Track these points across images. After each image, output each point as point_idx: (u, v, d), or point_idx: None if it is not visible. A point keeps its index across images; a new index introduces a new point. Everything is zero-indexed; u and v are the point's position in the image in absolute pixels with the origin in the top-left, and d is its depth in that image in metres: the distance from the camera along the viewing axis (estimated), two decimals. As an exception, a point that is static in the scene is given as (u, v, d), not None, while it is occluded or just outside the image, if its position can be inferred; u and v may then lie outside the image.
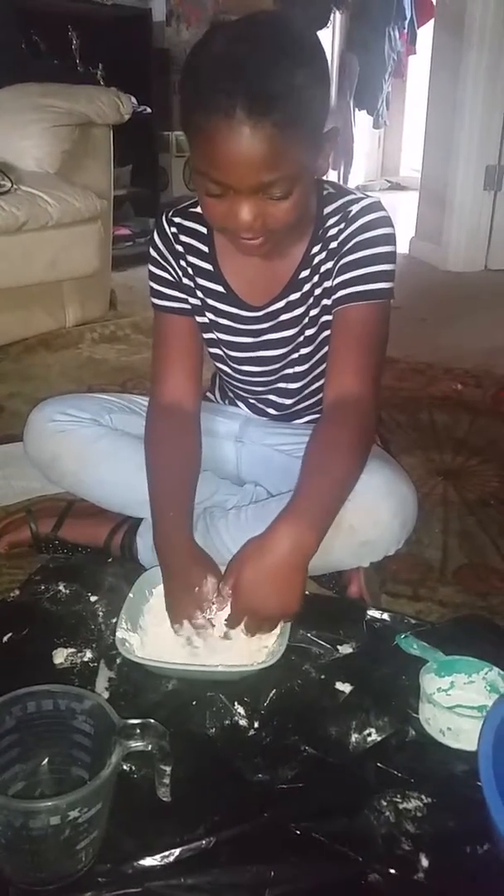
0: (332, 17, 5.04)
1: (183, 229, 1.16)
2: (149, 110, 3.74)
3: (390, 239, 1.08)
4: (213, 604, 1.01)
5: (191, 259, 1.17)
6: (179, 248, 1.17)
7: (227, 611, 1.01)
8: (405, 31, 5.40)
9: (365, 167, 6.85)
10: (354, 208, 1.08)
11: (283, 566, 0.96)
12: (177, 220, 1.17)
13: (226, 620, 1.00)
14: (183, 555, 1.06)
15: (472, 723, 0.93)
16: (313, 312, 1.15)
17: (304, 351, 1.18)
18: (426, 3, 5.13)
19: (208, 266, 1.17)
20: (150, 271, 1.21)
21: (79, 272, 2.62)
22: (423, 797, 0.86)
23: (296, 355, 1.19)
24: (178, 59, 4.19)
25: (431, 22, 4.26)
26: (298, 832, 0.82)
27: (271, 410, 1.29)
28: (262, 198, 0.94)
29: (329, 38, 5.63)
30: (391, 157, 7.14)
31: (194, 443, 1.19)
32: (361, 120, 5.82)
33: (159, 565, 1.08)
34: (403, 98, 6.52)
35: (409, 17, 5.33)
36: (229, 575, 1.00)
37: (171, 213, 1.18)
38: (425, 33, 5.02)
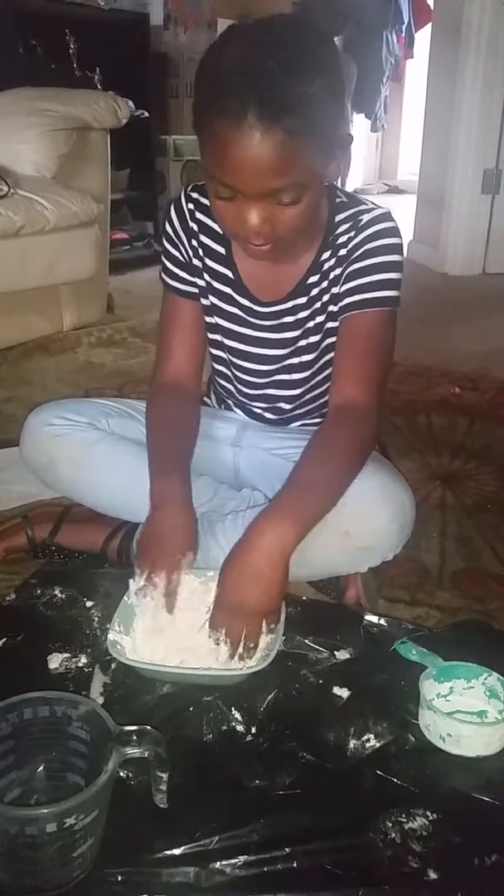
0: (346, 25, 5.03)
1: (200, 206, 1.16)
2: (146, 114, 3.74)
3: (398, 249, 1.10)
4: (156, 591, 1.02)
5: (203, 239, 1.17)
6: (194, 225, 1.17)
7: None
8: (403, 35, 5.41)
9: (363, 171, 6.86)
10: (365, 217, 1.09)
11: (263, 563, 0.97)
12: (195, 195, 1.17)
13: (209, 620, 0.99)
14: (175, 507, 1.07)
15: (472, 728, 0.93)
16: (319, 319, 1.15)
17: (305, 358, 1.19)
18: (424, 7, 5.14)
19: (221, 249, 1.17)
20: (163, 247, 1.22)
21: (76, 276, 2.61)
22: (428, 813, 0.85)
23: (295, 361, 1.19)
24: (175, 63, 4.19)
25: (429, 26, 4.27)
26: (300, 855, 0.81)
27: (270, 416, 1.28)
28: (270, 203, 0.94)
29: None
30: (389, 161, 7.15)
31: (191, 415, 1.21)
32: (359, 124, 5.83)
33: (149, 506, 1.08)
34: (401, 102, 6.54)
35: (406, 21, 5.33)
36: (220, 579, 1.00)
37: (190, 189, 1.18)
38: (423, 37, 5.03)
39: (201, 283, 1.20)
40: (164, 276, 1.22)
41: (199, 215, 1.17)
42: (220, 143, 0.91)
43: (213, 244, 1.17)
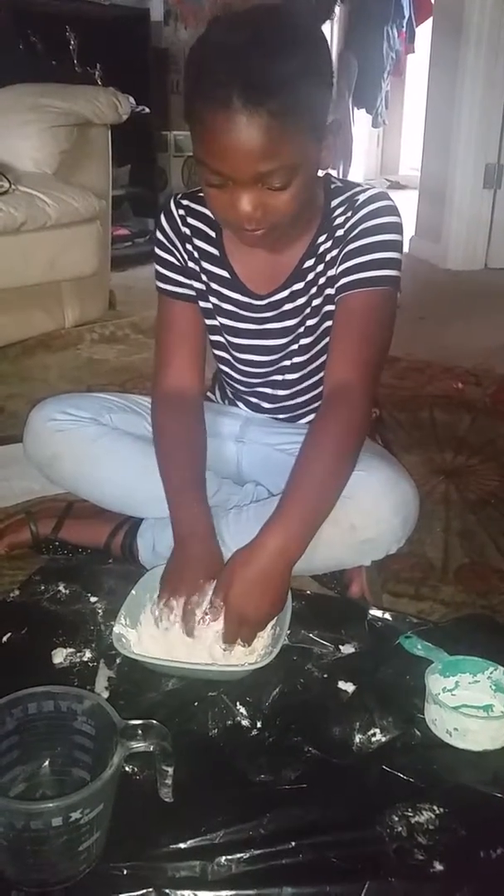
0: (335, 10, 5.01)
1: (191, 212, 1.17)
2: (147, 110, 3.74)
3: (396, 227, 1.08)
4: (207, 615, 1.01)
5: (197, 242, 1.17)
6: (186, 230, 1.17)
7: (221, 623, 1.00)
8: (404, 29, 5.39)
9: (364, 166, 6.85)
10: (361, 197, 1.09)
11: (270, 574, 0.98)
12: (185, 202, 1.17)
13: (221, 635, 1.00)
14: (199, 540, 1.06)
15: (478, 723, 0.93)
16: (316, 302, 1.15)
17: (304, 341, 1.18)
18: (424, 2, 5.12)
19: (214, 250, 1.17)
20: (155, 254, 1.21)
21: (78, 272, 2.61)
22: (434, 808, 0.85)
23: (296, 346, 1.19)
24: (176, 59, 4.19)
25: (430, 21, 4.26)
26: (306, 848, 0.81)
27: (266, 404, 1.28)
28: (261, 188, 0.94)
29: (328, 36, 5.62)
30: (390, 156, 7.14)
31: (199, 425, 1.20)
32: (360, 119, 5.81)
33: (173, 539, 1.08)
34: (402, 97, 6.52)
35: (407, 15, 5.31)
36: (220, 587, 1.00)
37: (179, 196, 1.18)
38: (424, 32, 5.01)
39: (199, 285, 1.20)
40: (159, 282, 1.22)
41: (190, 220, 1.17)
42: (208, 129, 0.91)
43: (206, 247, 1.17)
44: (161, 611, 1.03)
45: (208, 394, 1.38)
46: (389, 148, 7.11)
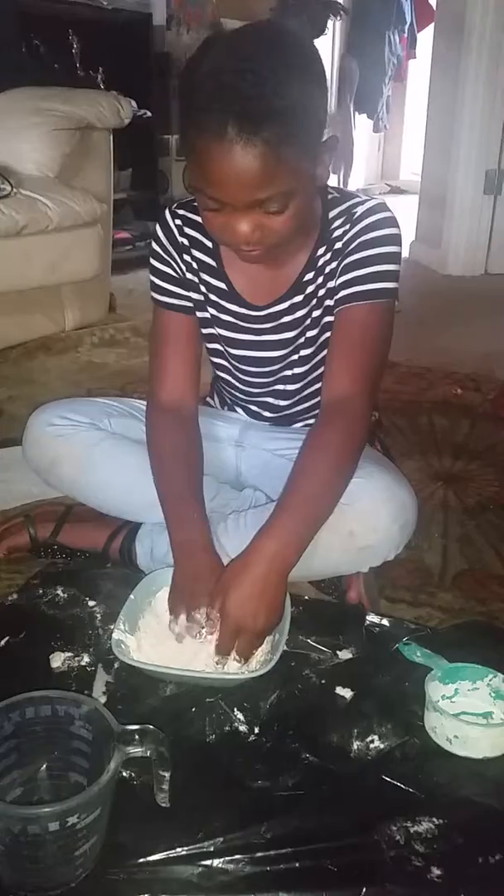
0: (328, 25, 5.04)
1: (188, 222, 1.16)
2: (149, 114, 3.74)
3: (395, 239, 1.08)
4: (204, 628, 1.01)
5: (195, 253, 1.17)
6: (184, 241, 1.16)
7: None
8: (405, 35, 5.41)
9: (365, 171, 6.86)
10: (359, 209, 1.08)
11: (266, 582, 0.97)
12: (182, 212, 1.16)
13: (216, 646, 0.99)
14: (200, 552, 1.05)
15: (479, 730, 0.93)
16: (316, 314, 1.15)
17: (304, 352, 1.18)
18: (426, 7, 5.14)
19: (212, 261, 1.16)
20: (151, 265, 1.20)
21: (78, 276, 2.62)
22: (434, 819, 0.84)
23: (296, 357, 1.19)
24: (178, 63, 4.18)
25: (431, 26, 4.27)
26: (303, 855, 0.80)
27: (267, 413, 1.28)
28: (258, 212, 0.94)
29: (329, 42, 5.64)
30: (391, 161, 7.15)
31: (196, 440, 1.19)
32: (361, 124, 5.83)
33: (173, 557, 1.07)
34: (403, 102, 6.53)
35: (409, 21, 5.34)
36: (216, 598, 0.99)
37: (175, 206, 1.17)
38: (425, 37, 5.03)
39: (197, 296, 1.19)
40: (155, 294, 1.21)
41: (187, 230, 1.16)
42: (203, 158, 0.91)
43: (204, 257, 1.17)
44: (186, 627, 1.01)
45: (206, 399, 1.38)
46: (390, 153, 7.12)
